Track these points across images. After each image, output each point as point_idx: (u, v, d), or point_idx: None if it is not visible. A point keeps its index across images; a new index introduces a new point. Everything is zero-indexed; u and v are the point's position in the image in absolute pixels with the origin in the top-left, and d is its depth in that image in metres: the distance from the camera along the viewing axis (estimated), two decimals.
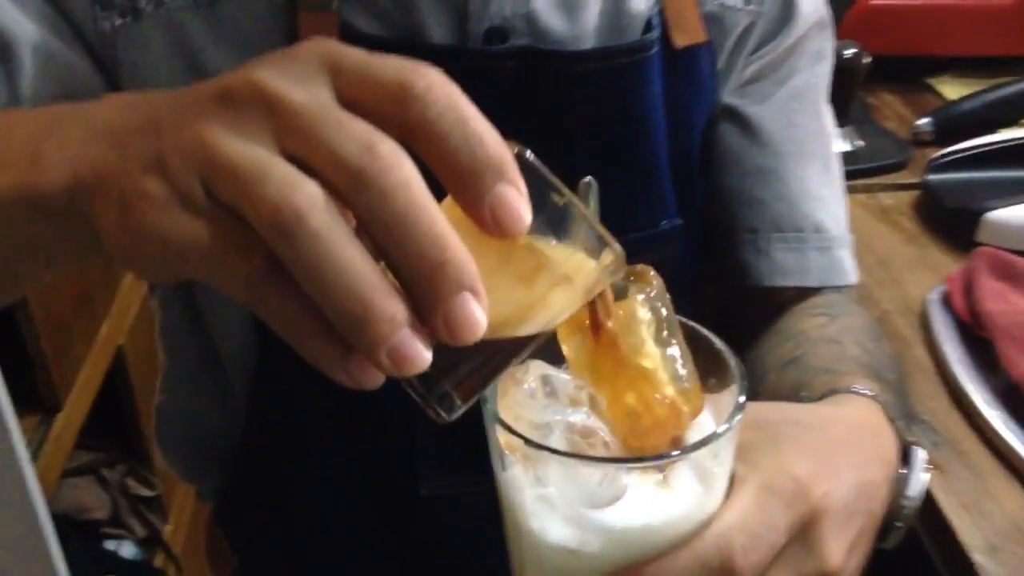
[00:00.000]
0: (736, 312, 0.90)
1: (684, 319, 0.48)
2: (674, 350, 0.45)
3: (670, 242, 0.84)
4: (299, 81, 0.36)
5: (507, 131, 0.37)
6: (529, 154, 0.38)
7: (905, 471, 0.60)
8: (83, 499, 1.69)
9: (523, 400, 0.45)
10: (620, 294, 0.46)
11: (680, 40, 0.79)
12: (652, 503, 0.43)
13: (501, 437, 0.45)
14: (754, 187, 0.85)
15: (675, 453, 0.44)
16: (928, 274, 1.09)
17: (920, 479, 0.60)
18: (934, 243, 1.16)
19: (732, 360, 0.47)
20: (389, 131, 0.35)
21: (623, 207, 0.81)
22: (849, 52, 1.22)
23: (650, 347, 0.45)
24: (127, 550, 1.72)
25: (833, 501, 0.50)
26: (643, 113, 0.79)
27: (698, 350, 0.48)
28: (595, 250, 0.39)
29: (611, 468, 0.43)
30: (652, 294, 0.46)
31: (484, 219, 0.36)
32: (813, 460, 0.50)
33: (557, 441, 0.44)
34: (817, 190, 0.86)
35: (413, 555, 0.87)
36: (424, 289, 0.35)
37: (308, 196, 0.34)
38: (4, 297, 0.51)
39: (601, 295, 0.43)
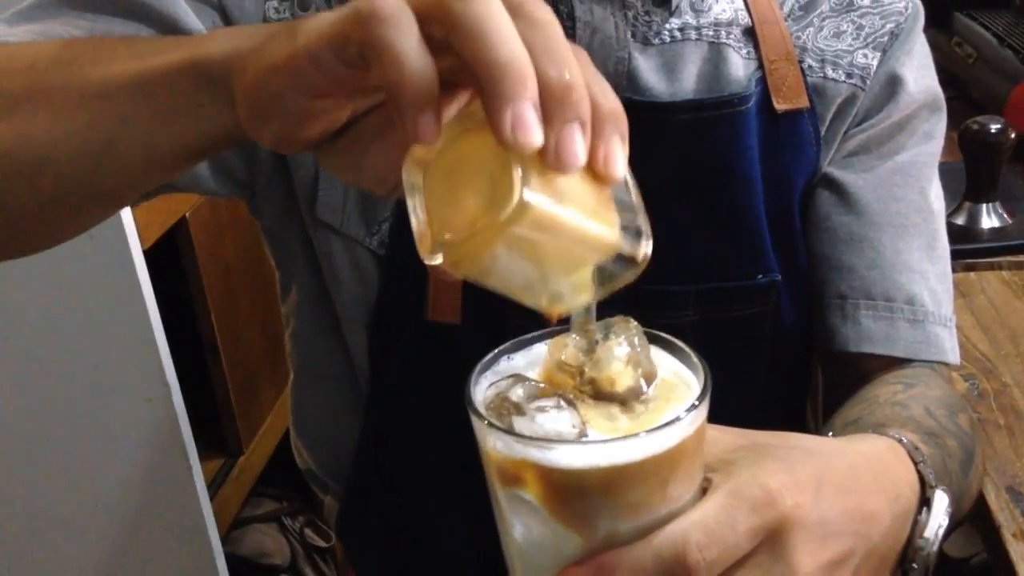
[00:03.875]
0: (834, 377, 0.90)
1: (664, 335, 0.52)
2: (642, 381, 0.50)
3: (767, 297, 0.86)
4: None
5: None
6: None
7: (924, 514, 0.60)
8: (265, 544, 1.82)
9: (501, 400, 0.50)
10: (604, 337, 0.50)
11: (780, 104, 0.84)
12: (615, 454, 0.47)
13: (476, 425, 0.49)
14: (845, 254, 0.86)
15: (642, 434, 0.47)
16: None
17: (938, 522, 0.60)
18: None
19: (702, 372, 0.50)
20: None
21: (714, 255, 0.84)
22: (995, 127, 1.20)
23: (623, 378, 0.50)
24: None
25: (806, 513, 0.50)
26: (735, 166, 0.83)
27: (676, 358, 0.52)
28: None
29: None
30: (629, 334, 0.50)
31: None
32: (790, 475, 0.51)
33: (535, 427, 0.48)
34: (916, 264, 0.85)
35: None
36: (489, 85, 0.42)
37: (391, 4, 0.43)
38: (155, 173, 0.60)
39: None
